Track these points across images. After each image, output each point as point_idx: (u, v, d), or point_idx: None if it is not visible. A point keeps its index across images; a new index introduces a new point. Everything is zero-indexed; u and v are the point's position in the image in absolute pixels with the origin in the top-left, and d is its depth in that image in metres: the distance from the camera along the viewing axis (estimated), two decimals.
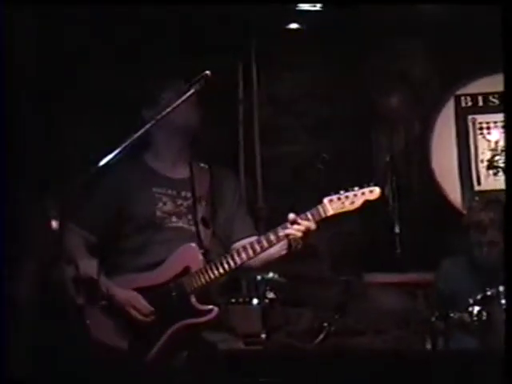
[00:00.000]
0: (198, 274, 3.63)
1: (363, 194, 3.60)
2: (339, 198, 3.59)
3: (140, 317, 3.61)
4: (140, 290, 3.66)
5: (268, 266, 4.01)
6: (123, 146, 3.32)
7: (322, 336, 4.68)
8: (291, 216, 3.57)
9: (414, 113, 5.96)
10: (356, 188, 3.61)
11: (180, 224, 3.74)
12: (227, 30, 5.46)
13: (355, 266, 5.61)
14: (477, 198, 5.29)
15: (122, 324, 3.62)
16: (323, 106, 5.94)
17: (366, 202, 3.60)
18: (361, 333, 5.63)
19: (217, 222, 3.80)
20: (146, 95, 3.82)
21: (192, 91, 3.46)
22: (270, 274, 4.85)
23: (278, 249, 3.66)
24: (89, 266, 3.58)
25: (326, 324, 4.69)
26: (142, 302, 3.62)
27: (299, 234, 3.55)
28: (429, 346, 4.41)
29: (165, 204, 3.74)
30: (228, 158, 5.69)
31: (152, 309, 3.62)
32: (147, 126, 3.40)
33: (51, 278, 3.64)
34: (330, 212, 3.59)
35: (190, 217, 3.75)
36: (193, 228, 3.73)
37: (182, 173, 3.82)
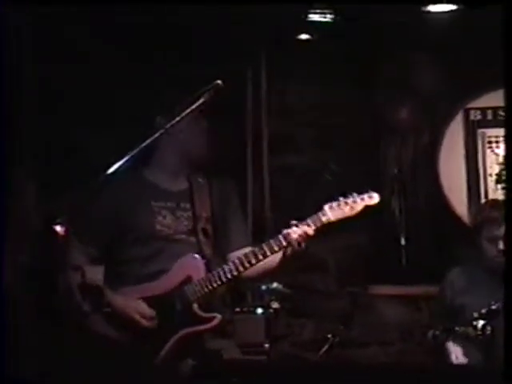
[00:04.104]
0: (200, 282, 3.66)
1: (362, 199, 3.67)
2: (339, 205, 3.65)
3: (144, 321, 3.62)
4: (143, 300, 3.68)
5: (269, 275, 4.05)
6: (130, 155, 3.33)
7: (325, 347, 4.67)
8: (293, 222, 3.61)
9: (422, 125, 5.96)
10: (355, 194, 3.65)
11: (180, 235, 3.77)
12: (237, 40, 5.47)
13: (361, 277, 5.61)
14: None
15: (127, 333, 3.64)
16: (332, 116, 5.94)
17: (366, 208, 3.65)
18: (365, 345, 5.63)
19: (220, 231, 3.83)
20: (162, 105, 3.85)
21: (202, 100, 3.48)
22: (275, 284, 4.85)
23: (279, 256, 3.69)
24: (94, 273, 3.60)
25: (330, 335, 4.68)
26: (144, 307, 3.64)
27: (300, 240, 3.59)
28: (433, 359, 4.41)
29: (164, 217, 3.77)
30: (236, 167, 5.69)
31: (154, 312, 3.64)
32: (155, 135, 3.42)
33: (56, 283, 3.65)
34: (331, 218, 3.64)
35: (190, 227, 3.78)
36: (193, 238, 3.76)
37: (180, 185, 3.85)
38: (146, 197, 3.81)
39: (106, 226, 3.78)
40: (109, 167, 3.24)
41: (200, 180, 3.90)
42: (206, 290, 3.66)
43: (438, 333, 4.31)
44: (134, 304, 3.65)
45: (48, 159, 5.01)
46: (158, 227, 3.76)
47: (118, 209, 3.78)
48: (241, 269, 3.66)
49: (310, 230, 3.61)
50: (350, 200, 3.66)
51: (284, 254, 3.67)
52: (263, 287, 4.88)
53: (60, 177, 4.86)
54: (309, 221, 3.64)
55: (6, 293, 3.87)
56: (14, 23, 4.22)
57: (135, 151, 3.30)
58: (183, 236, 3.78)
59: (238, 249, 3.81)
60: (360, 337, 5.55)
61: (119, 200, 3.77)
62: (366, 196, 3.68)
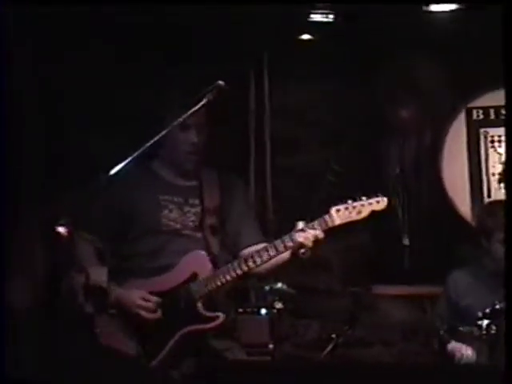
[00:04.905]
0: (205, 280, 3.65)
1: (370, 204, 3.65)
2: (346, 208, 3.63)
3: (146, 314, 3.62)
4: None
5: (274, 273, 4.05)
6: (135, 154, 3.34)
7: (329, 347, 4.67)
8: (299, 224, 3.60)
9: (425, 125, 5.95)
10: (363, 198, 3.64)
11: (187, 231, 3.76)
12: (239, 40, 5.47)
13: (364, 277, 5.60)
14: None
15: (130, 329, 3.64)
16: (334, 117, 5.94)
17: (373, 213, 3.63)
18: (369, 345, 5.63)
19: (225, 229, 3.82)
20: (166, 106, 3.85)
21: (205, 101, 3.48)
22: (279, 285, 4.85)
23: (285, 257, 3.68)
24: (99, 274, 3.59)
25: (334, 335, 4.68)
26: (147, 297, 3.63)
27: (306, 243, 3.58)
28: (437, 359, 4.40)
29: (171, 211, 3.76)
30: (238, 168, 5.68)
31: (157, 299, 3.64)
32: (158, 136, 3.43)
33: (59, 284, 3.65)
34: (337, 221, 3.63)
35: (197, 224, 3.77)
36: (200, 235, 3.75)
37: (190, 180, 3.84)
38: (154, 190, 3.80)
39: (115, 217, 3.76)
40: (112, 166, 3.25)
41: (211, 173, 3.88)
42: (210, 288, 3.65)
43: (442, 333, 4.31)
44: (134, 297, 3.64)
45: (49, 159, 5.01)
46: (164, 221, 3.75)
47: (126, 200, 3.77)
48: (245, 268, 3.65)
49: (318, 234, 3.60)
50: (357, 204, 3.64)
51: (290, 257, 3.67)
52: (267, 287, 4.88)
53: (62, 177, 4.87)
54: (315, 224, 3.63)
55: (7, 293, 3.87)
56: (14, 23, 4.22)
57: (140, 150, 3.32)
58: (189, 231, 3.76)
59: (250, 245, 3.80)
60: (364, 337, 5.55)
61: (127, 192, 3.75)
62: (373, 201, 3.66)
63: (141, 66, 5.40)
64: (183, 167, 3.83)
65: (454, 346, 4.30)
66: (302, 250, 3.61)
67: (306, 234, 3.59)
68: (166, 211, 3.76)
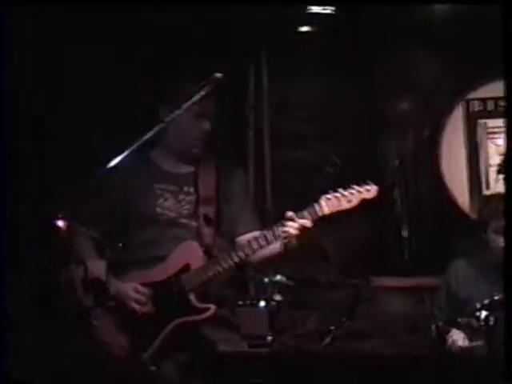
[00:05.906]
0: (197, 271, 3.64)
1: (360, 192, 3.61)
2: (336, 197, 3.60)
3: (138, 307, 3.62)
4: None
5: (268, 264, 4.04)
6: (133, 147, 3.35)
7: (328, 339, 4.67)
8: (288, 214, 3.59)
9: (423, 117, 5.96)
10: (354, 186, 3.61)
11: (181, 220, 3.74)
12: (238, 34, 5.47)
13: (363, 269, 5.61)
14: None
15: (124, 321, 3.63)
16: (333, 110, 5.94)
17: (363, 201, 3.60)
18: (368, 336, 5.64)
19: (221, 218, 3.79)
20: (162, 95, 3.84)
21: (202, 93, 3.48)
22: (278, 277, 4.86)
23: (277, 247, 3.67)
24: (97, 267, 3.58)
25: (332, 327, 4.69)
26: (139, 289, 3.63)
27: (295, 232, 3.56)
28: (436, 351, 4.42)
29: (166, 200, 3.74)
30: (237, 159, 5.69)
31: (149, 291, 3.63)
32: (156, 129, 3.43)
33: (58, 279, 3.65)
34: (326, 210, 3.59)
35: (191, 212, 3.74)
36: (194, 224, 3.73)
37: (187, 168, 3.82)
38: (150, 179, 3.77)
39: (111, 207, 3.74)
40: (109, 161, 3.26)
41: (209, 161, 3.86)
42: (202, 278, 3.64)
43: (441, 324, 4.32)
44: (127, 288, 3.64)
45: (48, 154, 5.02)
46: (159, 210, 3.73)
47: (122, 190, 3.75)
48: (236, 258, 3.63)
49: (306, 223, 3.59)
50: (347, 192, 3.61)
51: (281, 246, 3.66)
52: (266, 280, 4.89)
53: (60, 172, 4.87)
54: (305, 213, 3.61)
55: (7, 292, 3.87)
56: (14, 23, 4.22)
57: (139, 142, 3.33)
58: (184, 220, 3.74)
59: (246, 233, 3.79)
60: (363, 329, 5.55)
61: (124, 181, 3.72)
62: (363, 189, 3.62)
63: (141, 64, 5.39)
64: (186, 155, 3.80)
65: (452, 335, 4.31)
66: (292, 242, 3.60)
67: (296, 224, 3.57)
68: (161, 200, 3.75)
